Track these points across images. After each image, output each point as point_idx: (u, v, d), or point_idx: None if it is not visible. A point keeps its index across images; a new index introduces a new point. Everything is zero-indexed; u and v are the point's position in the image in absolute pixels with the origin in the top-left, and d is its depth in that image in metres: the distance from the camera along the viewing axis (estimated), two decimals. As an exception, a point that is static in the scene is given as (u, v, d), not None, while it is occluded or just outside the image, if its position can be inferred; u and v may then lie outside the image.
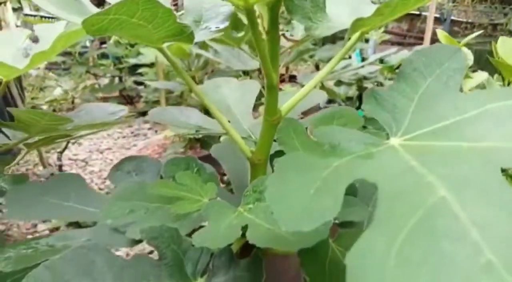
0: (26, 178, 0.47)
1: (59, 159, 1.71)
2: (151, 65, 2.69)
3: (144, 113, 3.35)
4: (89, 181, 2.35)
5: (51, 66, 3.95)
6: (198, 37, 0.40)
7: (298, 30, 0.91)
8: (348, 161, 0.23)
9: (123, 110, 0.60)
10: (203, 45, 1.06)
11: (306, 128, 0.42)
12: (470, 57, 0.62)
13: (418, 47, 0.32)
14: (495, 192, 0.18)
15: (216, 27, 0.46)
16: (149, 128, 3.01)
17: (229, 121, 0.52)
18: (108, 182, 2.27)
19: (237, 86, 0.60)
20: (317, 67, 1.42)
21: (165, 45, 0.39)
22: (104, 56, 3.90)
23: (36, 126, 0.52)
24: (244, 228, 0.30)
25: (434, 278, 0.14)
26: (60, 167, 1.76)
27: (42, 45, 0.58)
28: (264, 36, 0.32)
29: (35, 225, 1.70)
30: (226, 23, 0.46)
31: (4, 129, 0.61)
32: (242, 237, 0.40)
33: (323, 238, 0.27)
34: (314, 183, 0.21)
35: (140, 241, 0.38)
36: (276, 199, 0.20)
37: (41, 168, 2.34)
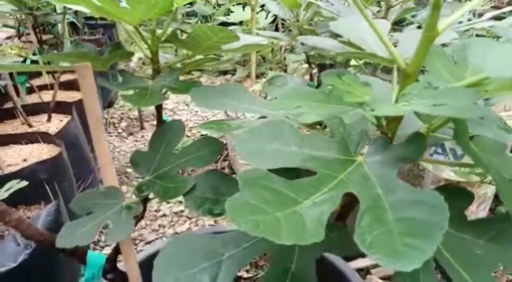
0: (200, 83, 0.59)
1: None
2: (239, 23, 2.79)
3: (225, 72, 3.50)
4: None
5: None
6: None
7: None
8: None
9: (264, 39, 0.70)
10: (314, -4, 1.12)
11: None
12: None
13: None
14: None
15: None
16: (230, 86, 3.16)
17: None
18: (193, 131, 2.47)
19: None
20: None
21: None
22: (189, 14, 4.09)
23: (204, 45, 0.63)
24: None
25: None
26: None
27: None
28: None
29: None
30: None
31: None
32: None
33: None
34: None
35: (308, 126, 0.48)
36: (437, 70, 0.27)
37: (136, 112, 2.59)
